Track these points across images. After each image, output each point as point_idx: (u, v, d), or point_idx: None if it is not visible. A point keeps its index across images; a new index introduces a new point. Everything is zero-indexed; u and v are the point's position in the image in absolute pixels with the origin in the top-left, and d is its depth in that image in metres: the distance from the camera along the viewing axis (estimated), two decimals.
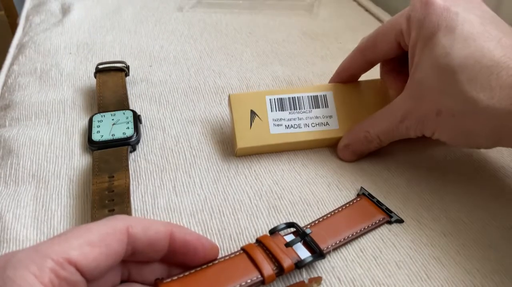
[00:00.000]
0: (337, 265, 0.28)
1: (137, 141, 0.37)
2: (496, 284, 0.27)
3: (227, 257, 0.25)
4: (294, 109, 0.36)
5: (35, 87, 0.44)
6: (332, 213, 0.30)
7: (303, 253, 0.27)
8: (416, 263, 0.28)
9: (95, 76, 0.43)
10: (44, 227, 0.30)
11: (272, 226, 0.29)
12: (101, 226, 0.21)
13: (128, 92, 0.43)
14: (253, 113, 0.35)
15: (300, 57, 0.51)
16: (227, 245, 0.29)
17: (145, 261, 0.24)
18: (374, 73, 0.37)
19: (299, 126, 0.36)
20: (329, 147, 0.37)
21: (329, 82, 0.39)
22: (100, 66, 0.44)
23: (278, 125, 0.35)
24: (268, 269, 0.25)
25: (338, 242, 0.28)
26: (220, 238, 0.29)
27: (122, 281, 0.24)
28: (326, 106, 0.37)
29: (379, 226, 0.30)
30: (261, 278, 0.24)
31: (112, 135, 0.36)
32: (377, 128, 0.34)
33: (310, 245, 0.27)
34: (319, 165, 0.36)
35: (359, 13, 0.64)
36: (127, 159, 0.34)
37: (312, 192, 0.33)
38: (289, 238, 0.28)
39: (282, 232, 0.28)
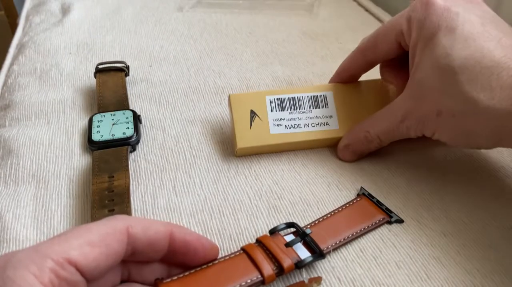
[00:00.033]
0: (337, 265, 0.28)
1: (137, 141, 0.37)
2: (496, 284, 0.27)
3: (227, 257, 0.25)
4: (294, 109, 0.36)
5: (35, 87, 0.44)
6: (332, 213, 0.30)
7: (303, 253, 0.27)
8: (416, 263, 0.28)
9: (95, 76, 0.43)
10: (44, 227, 0.30)
11: (272, 226, 0.29)
12: (101, 226, 0.21)
13: (128, 92, 0.43)
14: (253, 113, 0.35)
15: (300, 57, 0.51)
16: (227, 245, 0.29)
17: (145, 261, 0.24)
18: (374, 73, 0.37)
19: (299, 126, 0.36)
20: (329, 147, 0.37)
21: (329, 82, 0.39)
22: (100, 66, 0.44)
23: (278, 125, 0.35)
24: (268, 269, 0.25)
25: (338, 242, 0.28)
26: (220, 238, 0.29)
27: (122, 281, 0.24)
28: (326, 106, 0.37)
29: (379, 226, 0.30)
30: (261, 278, 0.24)
31: (112, 135, 0.36)
32: (377, 128, 0.34)
33: (310, 245, 0.27)
34: (319, 165, 0.36)
35: (359, 13, 0.64)
36: (127, 159, 0.34)
37: (312, 192, 0.33)
38: (289, 238, 0.28)
39: (282, 232, 0.28)
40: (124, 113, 0.38)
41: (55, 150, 0.36)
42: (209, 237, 0.29)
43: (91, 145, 0.35)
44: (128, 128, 0.37)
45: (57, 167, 0.35)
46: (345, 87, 0.37)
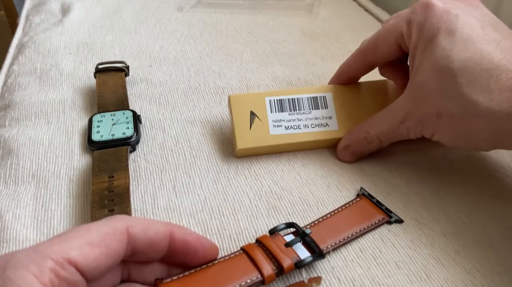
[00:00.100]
0: (337, 265, 0.28)
1: (137, 141, 0.37)
2: (496, 284, 0.27)
3: (227, 257, 0.26)
4: (294, 110, 0.36)
5: (35, 87, 0.44)
6: (332, 213, 0.30)
7: (303, 253, 0.27)
8: (415, 263, 0.28)
9: (95, 76, 0.43)
10: (44, 227, 0.30)
11: (272, 226, 0.29)
12: (101, 226, 0.21)
13: (128, 92, 0.43)
14: (253, 114, 0.35)
15: (300, 57, 0.51)
16: (227, 245, 0.29)
17: (145, 261, 0.24)
18: (373, 75, 0.37)
19: (298, 127, 0.36)
20: (329, 148, 0.37)
21: (329, 83, 0.39)
22: (100, 66, 0.44)
23: (277, 126, 0.35)
24: (268, 269, 0.25)
25: (338, 242, 0.28)
26: (220, 238, 0.29)
27: (122, 281, 0.24)
28: (326, 107, 0.37)
29: (378, 226, 0.30)
30: (261, 278, 0.24)
31: (112, 135, 0.36)
32: (377, 129, 0.34)
33: (310, 245, 0.27)
34: (318, 166, 0.36)
35: (359, 13, 0.64)
36: (127, 159, 0.34)
37: (312, 192, 0.33)
38: (289, 238, 0.28)
39: (282, 232, 0.28)
40: (124, 113, 0.38)
41: (55, 150, 0.36)
42: (209, 237, 0.29)
43: (91, 145, 0.35)
44: (128, 128, 0.37)
45: (57, 167, 0.35)
46: (344, 88, 0.37)
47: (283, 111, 0.36)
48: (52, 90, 0.43)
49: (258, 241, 0.27)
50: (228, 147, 0.37)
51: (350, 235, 0.29)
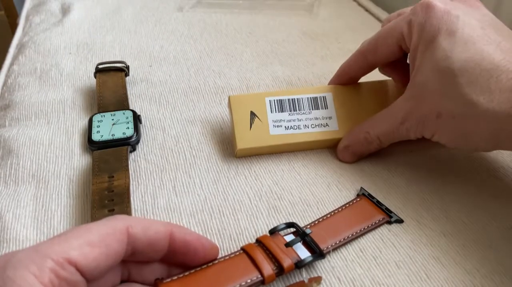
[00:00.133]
0: (337, 265, 0.28)
1: (137, 141, 0.37)
2: (496, 284, 0.27)
3: (227, 257, 0.26)
4: (294, 111, 0.36)
5: (35, 87, 0.44)
6: (332, 213, 0.30)
7: (303, 253, 0.27)
8: (416, 263, 0.28)
9: (95, 76, 0.43)
10: (44, 227, 0.30)
11: (272, 226, 0.29)
12: (101, 226, 0.21)
13: (128, 92, 0.43)
14: (253, 114, 0.35)
15: (300, 57, 0.51)
16: (227, 245, 0.29)
17: (145, 261, 0.24)
18: (373, 75, 0.37)
19: (298, 127, 0.36)
20: (329, 148, 0.37)
21: (329, 84, 0.39)
22: (100, 66, 0.44)
23: (277, 126, 0.35)
24: (268, 269, 0.25)
25: (338, 242, 0.28)
26: (220, 238, 0.29)
27: (122, 281, 0.24)
28: (326, 107, 0.37)
29: (379, 226, 0.30)
30: (261, 278, 0.24)
31: (112, 135, 0.36)
32: (377, 129, 0.34)
33: (310, 245, 0.27)
34: (319, 166, 0.36)
35: (359, 13, 0.64)
36: (127, 159, 0.34)
37: (312, 192, 0.33)
38: (289, 238, 0.28)
39: (282, 232, 0.28)
40: (124, 113, 0.38)
41: (55, 150, 0.36)
42: (209, 237, 0.29)
43: (91, 145, 0.35)
44: (128, 128, 0.37)
45: (57, 167, 0.35)
46: (344, 88, 0.37)
47: (283, 111, 0.36)
48: (52, 90, 0.43)
49: (258, 241, 0.27)
50: (228, 147, 0.37)
51: (350, 235, 0.29)
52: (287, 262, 0.25)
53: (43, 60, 0.48)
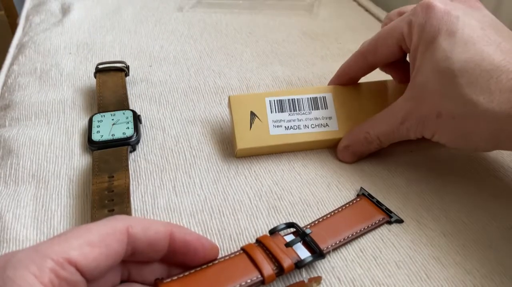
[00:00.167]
0: (337, 265, 0.28)
1: (137, 141, 0.37)
2: (496, 284, 0.27)
3: (227, 257, 0.26)
4: (294, 111, 0.36)
5: (35, 87, 0.44)
6: (332, 213, 0.30)
7: (303, 253, 0.27)
8: (416, 263, 0.28)
9: (95, 76, 0.43)
10: (44, 227, 0.30)
11: (272, 227, 0.29)
12: (101, 226, 0.21)
13: (128, 92, 0.43)
14: (253, 115, 0.35)
15: (300, 57, 0.51)
16: (227, 245, 0.29)
17: (145, 261, 0.24)
18: (374, 75, 0.37)
19: (298, 127, 0.36)
20: (329, 148, 0.37)
21: (328, 84, 0.39)
22: (100, 66, 0.44)
23: (277, 126, 0.35)
24: (268, 269, 0.25)
25: (338, 242, 0.28)
26: (220, 238, 0.29)
27: (122, 281, 0.24)
28: (326, 107, 0.37)
29: (379, 226, 0.30)
30: (261, 278, 0.24)
31: (112, 135, 0.36)
32: (378, 129, 0.34)
33: (310, 245, 0.27)
34: (319, 166, 0.36)
35: (359, 13, 0.64)
36: (127, 159, 0.34)
37: (312, 192, 0.33)
38: (289, 238, 0.28)
39: (282, 232, 0.28)
40: (124, 113, 0.38)
41: (55, 150, 0.36)
42: (209, 237, 0.29)
43: (91, 145, 0.35)
44: (128, 128, 0.37)
45: (57, 167, 0.35)
46: (344, 88, 0.37)
47: (283, 112, 0.36)
48: (52, 90, 0.43)
49: (258, 241, 0.27)
50: (228, 147, 0.37)
51: (350, 235, 0.29)
52: (287, 262, 0.25)
53: (43, 60, 0.48)
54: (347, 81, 0.38)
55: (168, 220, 0.31)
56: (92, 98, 0.42)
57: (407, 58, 0.35)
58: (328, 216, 0.30)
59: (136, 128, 0.37)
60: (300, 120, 0.36)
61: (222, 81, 0.46)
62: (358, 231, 0.29)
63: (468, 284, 0.27)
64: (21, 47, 0.52)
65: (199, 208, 0.32)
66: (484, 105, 0.27)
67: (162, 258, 0.24)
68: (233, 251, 0.27)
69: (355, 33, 0.57)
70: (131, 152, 0.36)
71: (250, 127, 0.35)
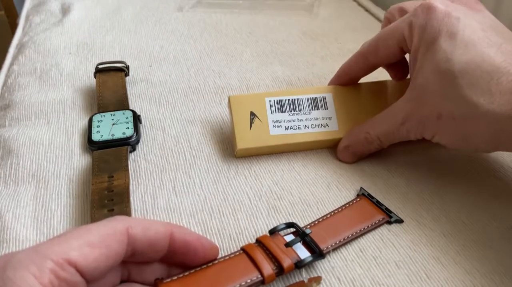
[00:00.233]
0: (337, 265, 0.28)
1: (137, 141, 0.37)
2: (496, 284, 0.27)
3: (227, 257, 0.26)
4: (294, 111, 0.36)
5: (35, 87, 0.44)
6: (332, 213, 0.30)
7: (303, 253, 0.27)
8: (416, 263, 0.28)
9: (95, 76, 0.43)
10: (44, 227, 0.30)
11: (272, 227, 0.29)
12: (101, 227, 0.21)
13: (128, 92, 0.43)
14: (253, 115, 0.35)
15: (300, 57, 0.51)
16: (226, 245, 0.29)
17: (145, 261, 0.24)
18: (374, 75, 0.37)
19: (298, 127, 0.36)
20: (329, 148, 0.37)
21: (328, 84, 0.39)
22: (100, 66, 0.44)
23: (277, 126, 0.35)
24: (268, 269, 0.25)
25: (338, 242, 0.28)
26: (220, 238, 0.29)
27: (122, 281, 0.24)
28: (326, 107, 0.37)
29: (379, 226, 0.30)
30: (261, 278, 0.24)
31: (111, 135, 0.36)
32: (378, 129, 0.34)
33: (310, 245, 0.27)
34: (319, 166, 0.36)
35: (359, 13, 0.64)
36: (126, 159, 0.34)
37: (312, 192, 0.33)
38: (289, 238, 0.28)
39: (282, 232, 0.28)
40: (124, 113, 0.38)
41: (55, 150, 0.36)
42: (209, 237, 0.29)
43: (91, 145, 0.35)
44: (128, 128, 0.37)
45: (57, 167, 0.35)
46: (344, 89, 0.37)
47: (283, 112, 0.36)
48: (52, 90, 0.43)
49: (258, 241, 0.27)
50: (228, 147, 0.37)
51: (350, 235, 0.29)
52: (287, 262, 0.25)
53: (43, 60, 0.48)
54: (347, 81, 0.38)
55: (168, 220, 0.31)
56: (92, 98, 0.42)
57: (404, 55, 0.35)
58: (328, 216, 0.30)
59: (136, 128, 0.37)
60: (300, 120, 0.36)
61: (222, 81, 0.46)
62: (358, 231, 0.29)
63: (468, 284, 0.27)
64: (21, 47, 0.52)
65: (199, 208, 0.32)
66: (485, 106, 0.27)
67: (162, 258, 0.24)
68: (233, 251, 0.27)
69: (355, 33, 0.57)
70: (131, 152, 0.36)
71: (250, 127, 0.35)
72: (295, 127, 0.36)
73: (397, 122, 0.32)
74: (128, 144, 0.36)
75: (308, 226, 0.29)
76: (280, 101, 0.36)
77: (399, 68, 0.37)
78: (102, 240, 0.21)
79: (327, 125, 0.36)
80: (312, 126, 0.36)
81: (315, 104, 0.37)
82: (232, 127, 0.36)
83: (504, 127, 0.27)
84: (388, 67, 0.38)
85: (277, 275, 0.25)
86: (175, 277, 0.24)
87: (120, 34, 0.54)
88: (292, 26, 0.58)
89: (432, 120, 0.30)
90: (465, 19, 0.29)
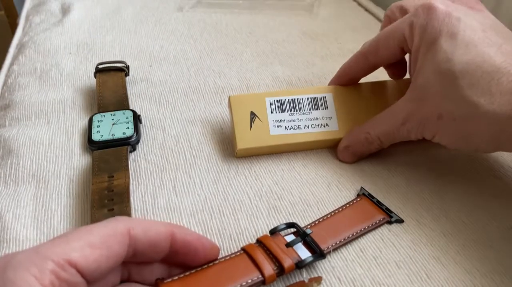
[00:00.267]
0: (337, 265, 0.28)
1: (137, 141, 0.37)
2: (496, 284, 0.27)
3: (228, 257, 0.26)
4: (294, 111, 0.36)
5: (35, 87, 0.44)
6: (333, 213, 0.30)
7: (304, 253, 0.27)
8: (416, 263, 0.28)
9: (95, 76, 0.43)
10: (44, 227, 0.30)
11: (272, 227, 0.29)
12: (102, 228, 0.21)
13: (128, 92, 0.43)
14: (253, 115, 0.35)
15: (300, 57, 0.51)
16: (227, 245, 0.29)
17: (145, 262, 0.24)
18: (374, 75, 0.37)
19: (299, 127, 0.36)
20: (329, 148, 0.37)
21: (329, 84, 0.39)
22: (100, 66, 0.44)
23: (278, 126, 0.35)
24: (268, 269, 0.25)
25: (338, 242, 0.28)
26: (220, 238, 0.29)
27: (122, 281, 0.24)
28: (326, 107, 0.37)
29: (379, 226, 0.30)
30: (262, 278, 0.24)
31: (112, 135, 0.36)
32: (378, 129, 0.34)
33: (311, 245, 0.27)
34: (319, 166, 0.36)
35: (359, 13, 0.64)
36: (126, 159, 0.34)
37: (312, 192, 0.33)
38: (290, 238, 0.28)
39: (282, 233, 0.28)
40: (124, 113, 0.38)
41: (55, 150, 0.36)
42: (209, 237, 0.29)
43: (91, 145, 0.35)
44: (128, 128, 0.37)
45: (57, 167, 0.35)
46: (344, 89, 0.37)
47: (283, 112, 0.36)
48: (52, 90, 0.43)
49: (259, 241, 0.27)
50: (228, 147, 0.37)
51: (350, 235, 0.29)
52: (287, 262, 0.25)
53: (43, 60, 0.48)
54: (347, 81, 0.38)
55: (168, 220, 0.31)
56: (92, 98, 0.42)
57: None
58: (329, 216, 0.30)
59: (136, 128, 0.37)
60: (300, 120, 0.36)
61: (222, 81, 0.46)
62: (359, 231, 0.29)
63: (468, 283, 0.27)
64: (21, 47, 0.52)
65: (199, 208, 0.32)
66: (485, 107, 0.27)
67: (162, 258, 0.24)
68: (233, 251, 0.27)
69: (355, 33, 0.57)
70: (131, 152, 0.36)
71: (250, 127, 0.35)
72: (295, 127, 0.36)
73: (398, 122, 0.32)
74: (128, 144, 0.36)
75: (309, 226, 0.29)
76: (280, 101, 0.36)
77: (397, 66, 0.37)
78: (103, 241, 0.21)
79: (327, 125, 0.36)
80: (312, 126, 0.36)
81: (315, 104, 0.37)
82: (232, 127, 0.36)
83: (504, 128, 0.27)
84: (387, 65, 0.38)
85: (278, 275, 0.25)
86: (176, 277, 0.24)
87: (120, 34, 0.54)
88: (292, 26, 0.58)
89: (433, 120, 0.30)
90: (465, 19, 0.29)
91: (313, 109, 0.36)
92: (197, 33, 0.56)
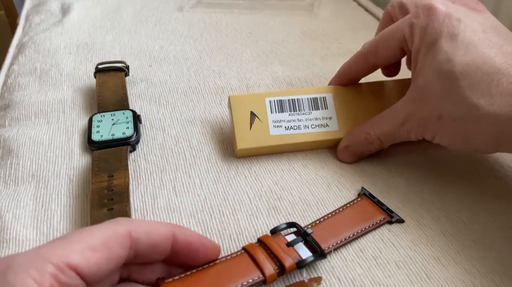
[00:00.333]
0: (337, 265, 0.28)
1: (137, 141, 0.37)
2: (496, 284, 0.27)
3: (229, 257, 0.26)
4: (294, 111, 0.36)
5: (35, 87, 0.44)
6: (333, 213, 0.30)
7: (305, 253, 0.27)
8: (416, 263, 0.28)
9: (95, 76, 0.43)
10: (43, 227, 0.30)
11: (272, 227, 0.29)
12: (103, 230, 0.21)
13: (128, 92, 0.43)
14: (253, 115, 0.35)
15: (300, 57, 0.51)
16: (227, 245, 0.29)
17: (146, 262, 0.24)
18: (374, 75, 0.37)
19: (298, 127, 0.36)
20: (329, 148, 0.37)
21: (329, 84, 0.39)
22: (100, 66, 0.44)
23: (278, 126, 0.35)
24: (269, 268, 0.25)
25: (339, 242, 0.28)
26: (220, 238, 0.29)
27: (122, 280, 0.24)
28: (326, 108, 0.37)
29: (380, 226, 0.30)
30: (263, 278, 0.24)
31: (111, 135, 0.36)
32: (378, 130, 0.34)
33: (311, 245, 0.27)
34: (319, 166, 0.36)
35: (359, 13, 0.64)
36: (126, 159, 0.34)
37: (312, 192, 0.33)
38: (290, 238, 0.28)
39: (283, 232, 0.28)
40: (124, 113, 0.38)
41: (55, 150, 0.36)
42: (209, 237, 0.29)
43: (91, 145, 0.35)
44: (128, 128, 0.37)
45: (57, 167, 0.35)
46: (344, 89, 0.37)
47: (283, 112, 0.36)
48: (52, 90, 0.43)
49: (260, 241, 0.27)
50: (228, 147, 0.37)
51: (351, 235, 0.29)
52: (288, 262, 0.25)
53: (43, 60, 0.48)
54: (347, 81, 0.38)
55: (168, 220, 0.31)
56: (92, 98, 0.42)
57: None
58: (329, 216, 0.30)
59: (136, 128, 0.37)
60: (300, 120, 0.36)
61: (222, 81, 0.46)
62: (360, 231, 0.29)
63: (468, 284, 0.27)
64: (21, 47, 0.52)
65: (199, 208, 0.32)
66: (485, 107, 0.27)
67: (163, 258, 0.24)
68: (233, 251, 0.27)
69: (355, 33, 0.57)
70: (131, 152, 0.36)
71: (250, 127, 0.35)
72: (295, 127, 0.36)
73: (398, 122, 0.32)
74: (128, 144, 0.36)
75: (309, 226, 0.29)
76: (280, 101, 0.36)
77: (391, 64, 0.37)
78: (104, 243, 0.21)
79: (327, 125, 0.36)
80: (312, 126, 0.36)
81: (315, 104, 0.37)
82: (232, 127, 0.36)
83: (504, 129, 0.27)
84: (390, 68, 0.38)
85: (279, 275, 0.25)
86: (176, 277, 0.24)
87: (120, 34, 0.54)
88: (292, 26, 0.58)
89: (433, 121, 0.30)
90: (466, 20, 0.29)
91: (313, 109, 0.36)
92: (197, 33, 0.56)
